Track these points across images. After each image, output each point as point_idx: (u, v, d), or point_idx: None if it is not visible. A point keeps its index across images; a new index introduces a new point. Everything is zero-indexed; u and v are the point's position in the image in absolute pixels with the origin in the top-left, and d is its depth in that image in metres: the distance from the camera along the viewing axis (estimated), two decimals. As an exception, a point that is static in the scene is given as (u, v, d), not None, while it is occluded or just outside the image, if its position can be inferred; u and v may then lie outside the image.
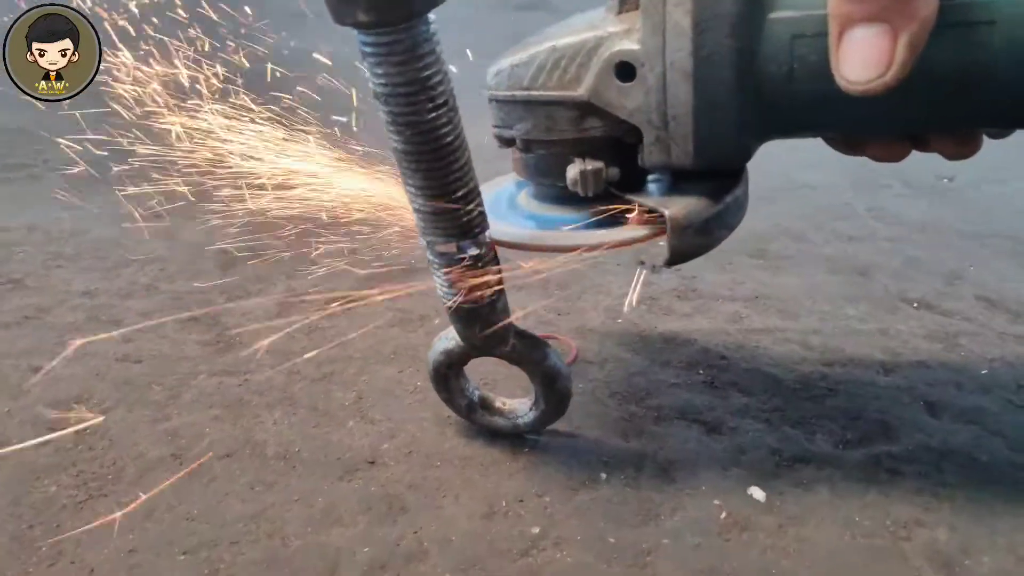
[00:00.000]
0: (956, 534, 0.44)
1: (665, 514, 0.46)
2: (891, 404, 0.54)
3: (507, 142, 0.46)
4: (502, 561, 0.42)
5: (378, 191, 0.53)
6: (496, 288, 0.44)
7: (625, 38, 0.39)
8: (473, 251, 0.42)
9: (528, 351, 0.47)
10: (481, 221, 0.42)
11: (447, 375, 0.50)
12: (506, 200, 0.49)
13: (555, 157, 0.43)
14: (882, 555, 0.43)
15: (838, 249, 0.77)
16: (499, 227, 0.45)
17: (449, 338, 0.48)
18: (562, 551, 0.43)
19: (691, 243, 0.40)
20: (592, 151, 0.42)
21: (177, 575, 0.42)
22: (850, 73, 0.33)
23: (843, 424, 0.53)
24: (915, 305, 0.67)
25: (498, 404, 0.52)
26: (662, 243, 0.40)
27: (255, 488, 0.47)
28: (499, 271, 0.44)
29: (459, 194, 0.40)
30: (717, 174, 0.42)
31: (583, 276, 0.70)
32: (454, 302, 0.44)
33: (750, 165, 0.43)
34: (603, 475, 0.48)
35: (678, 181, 0.43)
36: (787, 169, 0.94)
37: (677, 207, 0.40)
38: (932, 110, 0.37)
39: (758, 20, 0.36)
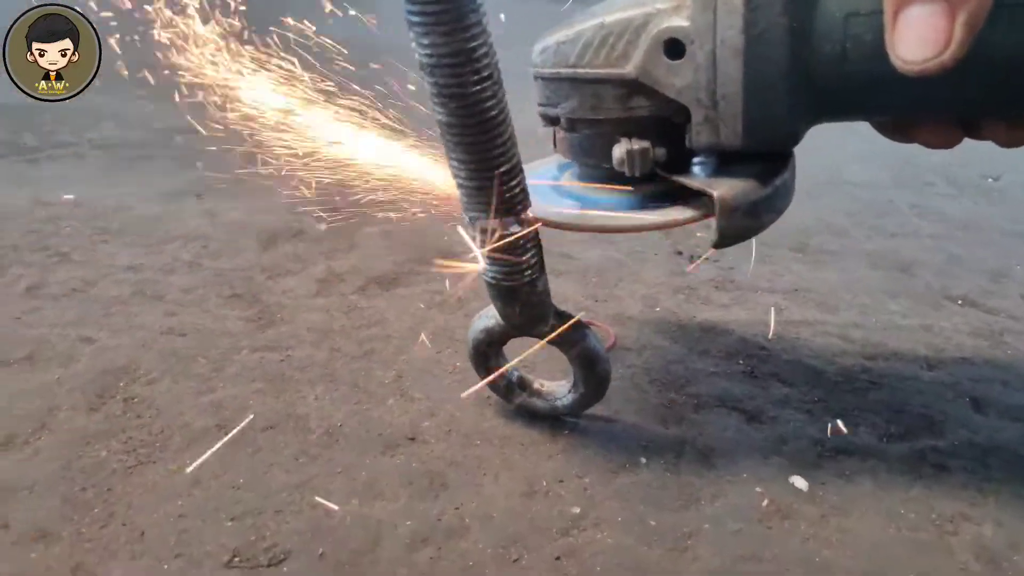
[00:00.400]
0: (1002, 529, 0.44)
1: (706, 499, 0.46)
2: (935, 399, 0.54)
3: (552, 121, 0.46)
4: (542, 539, 0.43)
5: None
6: (537, 267, 0.44)
7: (675, 15, 0.39)
8: (515, 228, 0.42)
9: (568, 333, 0.47)
10: (523, 198, 0.42)
11: (487, 354, 0.50)
12: (549, 179, 0.49)
13: (601, 136, 0.43)
14: (927, 549, 0.42)
15: (880, 245, 0.77)
16: (542, 206, 0.45)
17: (489, 316, 0.48)
18: (602, 532, 0.43)
19: (740, 225, 0.40)
20: (639, 131, 0.42)
21: (224, 540, 0.42)
22: (906, 53, 0.32)
23: (886, 417, 0.52)
24: (959, 302, 0.66)
25: (536, 385, 0.52)
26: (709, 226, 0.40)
27: (299, 460, 0.48)
28: (540, 249, 0.44)
29: (502, 169, 0.40)
30: (765, 157, 0.42)
31: (620, 264, 0.70)
32: (494, 279, 0.44)
33: (797, 157, 0.43)
34: (643, 459, 0.48)
35: (725, 163, 0.42)
36: (831, 164, 0.94)
37: (725, 188, 0.40)
38: (988, 92, 0.37)
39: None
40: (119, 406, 0.52)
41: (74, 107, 1.06)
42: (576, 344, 0.47)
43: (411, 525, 0.43)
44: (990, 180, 0.92)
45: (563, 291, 0.66)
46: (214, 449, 0.48)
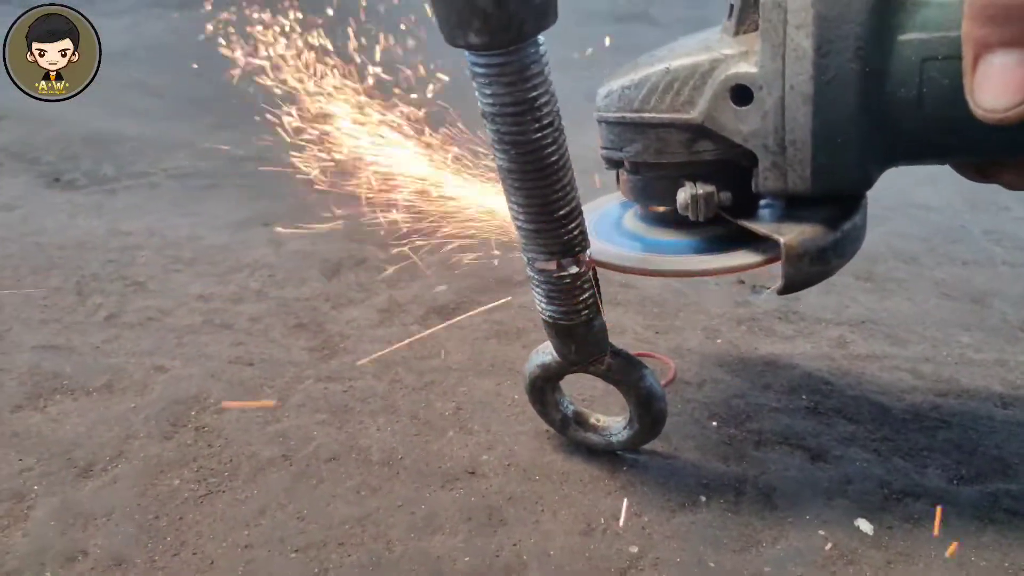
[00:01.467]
0: (1086, 583, 0.42)
1: (767, 541, 0.45)
2: (1009, 439, 0.52)
3: (615, 164, 0.46)
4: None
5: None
6: (593, 307, 0.44)
7: (742, 60, 0.39)
8: (573, 269, 0.42)
9: (624, 370, 0.47)
10: (582, 240, 0.42)
11: (543, 388, 0.50)
12: (612, 221, 0.49)
13: (665, 180, 0.43)
14: (1001, 600, 0.41)
15: (952, 273, 0.74)
16: (604, 248, 0.45)
17: (546, 352, 0.48)
18: (661, 573, 0.43)
19: (806, 272, 0.40)
20: (704, 175, 0.42)
21: (289, 572, 0.43)
22: (986, 101, 0.32)
23: (957, 459, 0.50)
24: (1036, 335, 0.64)
25: (592, 420, 0.52)
26: (776, 271, 0.40)
27: (360, 492, 0.49)
28: (597, 289, 0.44)
29: (561, 213, 0.41)
30: (835, 199, 0.41)
31: (680, 294, 0.70)
32: (551, 318, 0.44)
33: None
34: (703, 498, 0.48)
35: (793, 206, 0.42)
36: (900, 187, 0.91)
37: (792, 234, 0.39)
38: None
39: (886, 42, 0.35)
40: (191, 435, 0.54)
41: (151, 137, 1.12)
42: (633, 382, 0.47)
43: (469, 561, 0.44)
44: (1071, 203, 0.89)
45: (623, 322, 0.66)
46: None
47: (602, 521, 0.47)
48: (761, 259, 0.41)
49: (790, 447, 0.52)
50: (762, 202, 0.44)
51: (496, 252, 0.60)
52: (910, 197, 0.90)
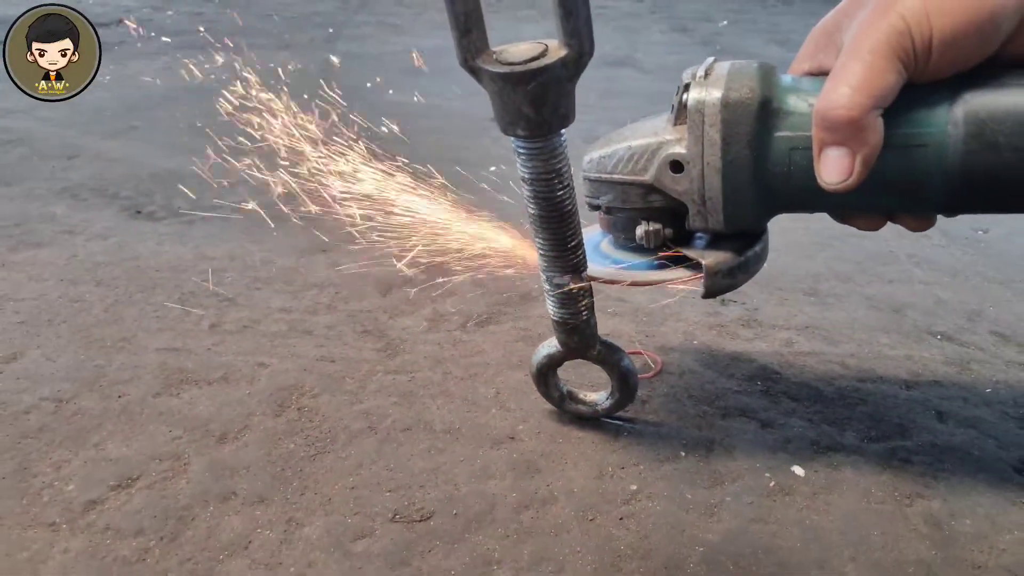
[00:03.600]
0: (947, 504, 0.60)
1: (728, 481, 0.63)
2: (908, 412, 0.70)
3: (595, 207, 0.64)
4: (610, 506, 0.60)
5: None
6: (590, 309, 0.62)
7: (677, 144, 0.56)
8: (578, 283, 0.61)
9: (608, 355, 0.65)
10: (584, 261, 0.60)
11: (547, 374, 0.68)
12: (593, 247, 0.67)
13: (629, 219, 0.61)
14: (889, 516, 0.59)
15: (879, 289, 0.93)
16: (592, 266, 0.63)
17: (551, 345, 0.66)
18: (653, 502, 0.61)
19: (720, 284, 0.58)
20: (654, 216, 0.60)
21: (387, 504, 0.61)
22: (826, 178, 0.50)
23: (868, 425, 0.69)
24: (938, 337, 0.82)
25: (582, 396, 0.70)
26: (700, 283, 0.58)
27: (431, 452, 0.67)
28: (592, 297, 0.62)
29: (572, 244, 0.59)
30: (741, 235, 0.59)
31: (665, 306, 0.88)
32: (560, 317, 0.62)
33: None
34: (682, 453, 0.66)
35: (714, 239, 0.60)
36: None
37: (711, 258, 0.57)
38: (887, 200, 0.54)
39: (767, 137, 0.53)
40: (295, 413, 0.72)
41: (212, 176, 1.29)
42: (615, 363, 0.65)
43: (516, 496, 0.62)
44: (980, 232, 1.08)
45: (619, 327, 0.84)
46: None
47: (610, 469, 0.64)
48: (691, 274, 0.59)
49: (747, 418, 0.70)
50: (695, 236, 0.61)
51: (510, 272, 0.77)
52: (848, 229, 1.09)
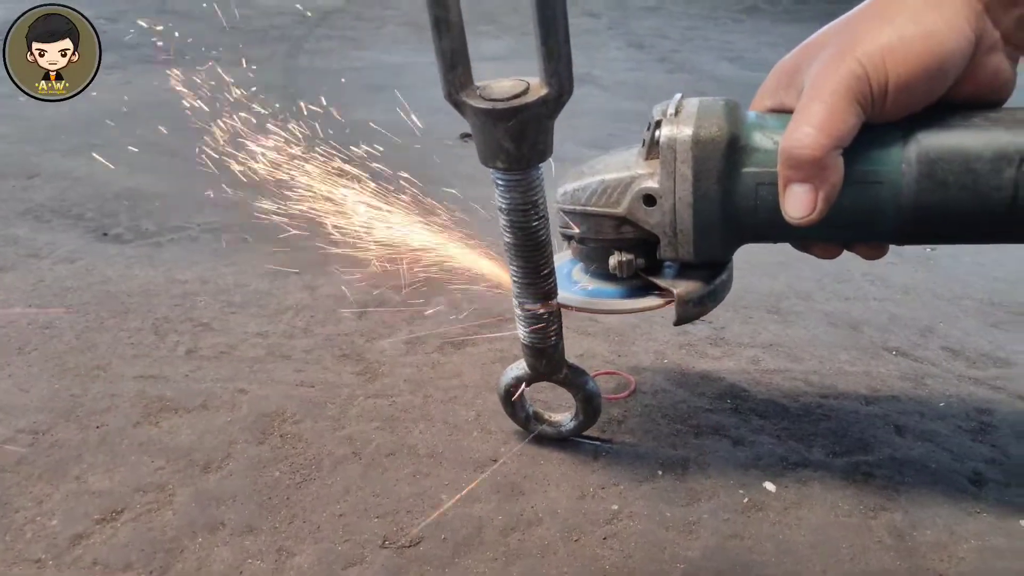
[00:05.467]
0: (908, 515, 0.63)
1: (704, 499, 0.65)
2: (869, 427, 0.74)
3: (569, 238, 0.66)
4: (594, 526, 0.63)
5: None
6: (559, 333, 0.64)
7: (649, 179, 0.59)
8: (549, 310, 0.63)
9: (575, 378, 0.67)
10: (554, 289, 0.63)
11: (513, 394, 0.69)
12: (564, 274, 0.69)
13: (601, 250, 0.63)
14: (855, 528, 0.62)
15: (837, 307, 0.97)
16: (562, 293, 0.65)
17: (519, 368, 0.68)
18: (634, 521, 0.63)
19: (691, 311, 0.61)
20: (626, 247, 0.62)
21: (375, 530, 0.62)
22: (791, 212, 0.53)
23: (833, 440, 0.72)
24: (893, 352, 0.87)
25: (545, 416, 0.72)
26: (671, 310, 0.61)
27: (416, 476, 0.68)
28: (560, 322, 0.64)
29: (544, 272, 0.61)
30: (709, 265, 0.62)
31: (636, 327, 0.91)
32: (530, 341, 0.64)
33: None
34: (659, 472, 0.68)
35: (683, 268, 0.63)
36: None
37: (682, 287, 0.60)
38: (845, 232, 0.57)
39: (735, 173, 0.56)
40: (278, 440, 0.72)
41: (177, 194, 1.28)
42: (580, 385, 0.68)
43: (502, 519, 0.63)
44: (928, 251, 1.13)
45: (593, 348, 0.87)
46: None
47: (591, 489, 0.67)
48: (662, 302, 0.62)
49: (719, 436, 0.73)
50: (665, 265, 0.64)
51: (488, 291, 0.79)
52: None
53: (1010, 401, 0.78)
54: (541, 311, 0.62)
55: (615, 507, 0.65)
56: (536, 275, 0.61)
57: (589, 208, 0.62)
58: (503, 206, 0.58)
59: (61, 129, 1.63)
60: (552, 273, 0.62)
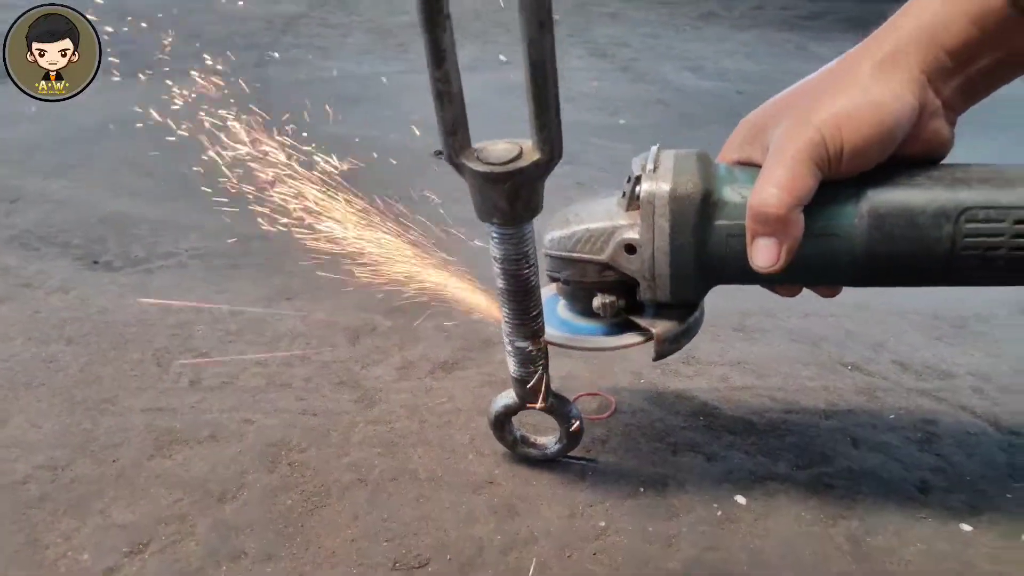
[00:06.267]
0: (863, 523, 0.71)
1: (683, 513, 0.72)
2: (828, 440, 0.82)
3: (555, 280, 0.72)
4: (584, 543, 0.69)
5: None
6: (545, 367, 0.71)
7: (630, 230, 0.65)
8: (537, 347, 0.69)
9: (560, 406, 0.74)
10: (542, 328, 0.69)
11: (503, 421, 0.76)
12: (550, 311, 0.75)
13: (586, 291, 0.70)
14: (818, 536, 0.70)
15: (797, 324, 1.05)
16: (551, 331, 0.71)
17: (508, 396, 0.74)
18: (620, 536, 0.70)
19: (668, 348, 0.68)
20: (609, 289, 0.69)
21: (386, 553, 0.68)
22: (758, 263, 0.60)
23: (796, 454, 0.80)
24: (849, 367, 0.95)
25: (532, 439, 0.78)
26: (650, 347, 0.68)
27: (419, 500, 0.74)
28: (547, 357, 0.71)
29: (533, 314, 0.67)
30: (683, 305, 0.69)
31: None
32: (519, 375, 0.71)
33: None
34: (641, 489, 0.75)
35: (660, 308, 0.69)
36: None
37: (660, 327, 0.67)
38: (806, 277, 0.65)
39: (708, 225, 0.63)
40: (287, 469, 0.77)
41: (162, 218, 1.31)
42: (564, 413, 0.74)
43: (500, 539, 0.69)
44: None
45: (574, 370, 0.93)
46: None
47: (580, 507, 0.73)
48: (642, 339, 0.68)
49: (694, 453, 0.80)
50: (645, 305, 0.70)
51: (476, 318, 0.84)
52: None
53: (953, 412, 0.87)
54: (530, 348, 0.68)
55: (603, 524, 0.71)
56: (526, 316, 0.67)
57: (575, 254, 0.68)
58: (497, 256, 0.64)
59: (36, 148, 1.63)
60: (540, 314, 0.68)
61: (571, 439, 0.75)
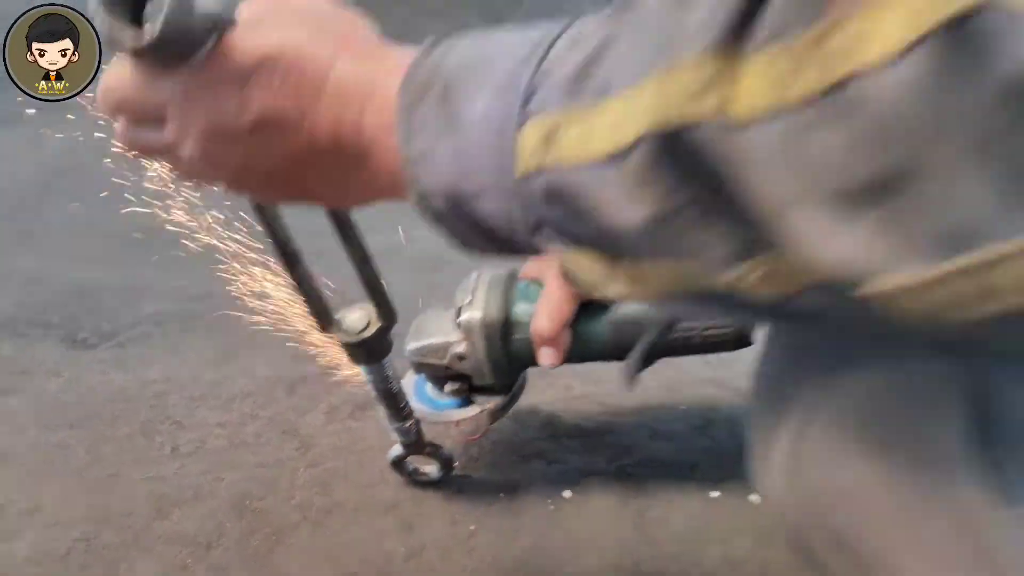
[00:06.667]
0: (647, 501, 1.05)
1: (525, 510, 1.06)
2: (635, 434, 1.14)
3: (419, 371, 1.02)
4: (460, 544, 1.02)
5: None
6: (416, 431, 1.02)
7: (459, 345, 0.95)
8: (410, 422, 0.99)
9: (435, 451, 1.05)
10: (411, 412, 0.99)
11: (400, 463, 1.07)
12: (418, 390, 1.05)
13: (440, 379, 1.01)
14: (615, 516, 1.03)
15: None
16: (418, 407, 1.02)
17: (398, 448, 1.05)
18: (485, 535, 1.03)
19: (498, 415, 1.00)
20: (455, 378, 0.99)
21: (332, 573, 1.01)
22: (543, 362, 0.91)
23: (612, 450, 1.12)
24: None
25: (422, 469, 1.09)
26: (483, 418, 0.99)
27: (347, 526, 1.06)
28: (418, 423, 1.01)
29: (402, 406, 0.97)
30: (505, 386, 1.00)
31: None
32: (402, 440, 1.02)
33: None
34: (500, 495, 1.08)
35: (488, 390, 1.00)
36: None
37: (492, 403, 0.99)
38: (580, 358, 0.96)
39: (510, 338, 0.93)
40: (251, 515, 1.08)
41: (117, 285, 1.56)
42: (438, 454, 1.05)
43: (404, 550, 1.03)
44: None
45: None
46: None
47: (458, 516, 1.05)
48: (481, 412, 1.00)
49: (540, 459, 1.13)
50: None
51: None
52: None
53: (730, 397, 1.20)
54: (406, 425, 0.99)
55: (472, 527, 1.04)
56: (397, 410, 0.97)
57: (426, 360, 0.98)
58: (367, 379, 0.94)
59: (-6, 214, 1.85)
60: (407, 405, 0.98)
61: (446, 469, 1.08)
